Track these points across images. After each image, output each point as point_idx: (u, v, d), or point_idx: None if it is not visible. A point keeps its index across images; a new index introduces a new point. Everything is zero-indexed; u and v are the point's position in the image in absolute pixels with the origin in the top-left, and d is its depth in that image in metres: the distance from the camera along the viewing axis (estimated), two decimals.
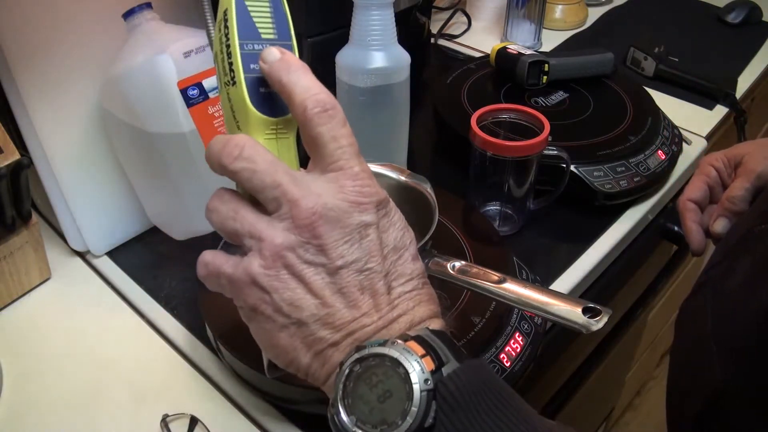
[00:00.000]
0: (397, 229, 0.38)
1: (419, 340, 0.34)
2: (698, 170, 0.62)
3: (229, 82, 0.37)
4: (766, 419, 0.35)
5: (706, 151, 0.87)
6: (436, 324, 0.37)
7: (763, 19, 1.18)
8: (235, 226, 0.36)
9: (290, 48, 0.38)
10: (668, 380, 0.45)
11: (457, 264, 0.52)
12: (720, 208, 0.58)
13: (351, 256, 0.35)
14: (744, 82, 1.01)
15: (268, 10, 0.38)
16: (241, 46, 0.37)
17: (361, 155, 0.37)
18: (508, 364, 0.54)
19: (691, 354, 0.42)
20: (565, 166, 0.69)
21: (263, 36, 0.38)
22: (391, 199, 0.38)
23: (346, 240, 0.35)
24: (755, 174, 0.57)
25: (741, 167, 0.59)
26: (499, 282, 0.49)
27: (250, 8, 0.37)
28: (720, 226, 0.57)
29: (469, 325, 0.56)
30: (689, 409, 0.41)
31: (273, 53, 0.36)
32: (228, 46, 0.37)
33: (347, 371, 0.34)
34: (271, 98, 0.38)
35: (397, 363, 0.32)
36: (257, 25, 0.37)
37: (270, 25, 0.38)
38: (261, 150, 0.35)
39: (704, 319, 0.41)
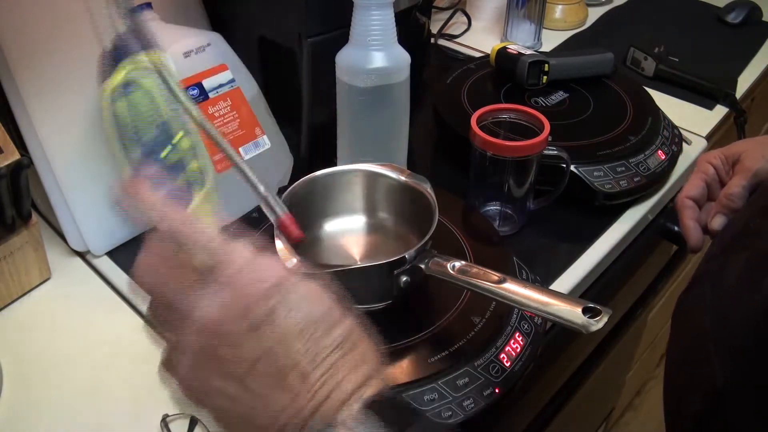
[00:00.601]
0: (305, 305, 0.35)
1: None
2: (696, 168, 0.62)
3: None
4: (765, 419, 0.35)
5: (706, 152, 0.87)
6: (371, 389, 0.35)
7: (763, 19, 1.18)
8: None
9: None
10: (665, 377, 0.45)
11: (457, 264, 0.52)
12: (718, 205, 0.58)
13: (254, 354, 0.34)
14: (744, 82, 1.01)
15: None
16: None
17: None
18: (508, 364, 0.54)
19: (688, 351, 0.42)
20: (565, 166, 0.69)
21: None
22: (290, 277, 0.35)
23: (244, 341, 0.33)
24: (752, 171, 0.57)
25: (738, 165, 0.59)
26: (499, 282, 0.49)
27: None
28: (718, 223, 0.58)
29: (469, 325, 0.56)
30: (687, 407, 0.41)
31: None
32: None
33: None
34: None
35: None
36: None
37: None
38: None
39: (702, 315, 0.41)
